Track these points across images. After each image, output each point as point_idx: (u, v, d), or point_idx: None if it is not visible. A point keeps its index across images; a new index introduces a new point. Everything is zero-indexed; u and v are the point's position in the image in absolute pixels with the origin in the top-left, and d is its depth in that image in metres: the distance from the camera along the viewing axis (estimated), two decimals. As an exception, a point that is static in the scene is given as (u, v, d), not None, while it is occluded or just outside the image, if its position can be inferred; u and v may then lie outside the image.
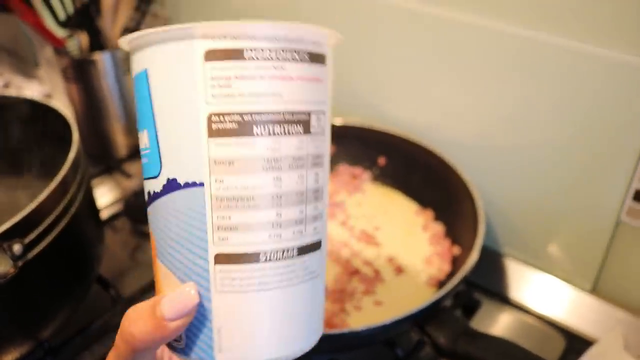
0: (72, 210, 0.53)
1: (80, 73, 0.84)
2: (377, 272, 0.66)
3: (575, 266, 0.67)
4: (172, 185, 0.28)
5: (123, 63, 0.85)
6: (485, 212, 0.63)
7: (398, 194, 0.79)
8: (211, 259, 0.28)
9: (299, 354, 0.30)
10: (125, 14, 0.84)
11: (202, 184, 0.27)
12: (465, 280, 0.57)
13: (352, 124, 0.80)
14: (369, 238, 0.71)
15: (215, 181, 0.27)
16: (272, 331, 0.29)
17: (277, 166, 0.27)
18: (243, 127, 0.26)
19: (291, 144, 0.27)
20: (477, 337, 0.54)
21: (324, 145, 0.30)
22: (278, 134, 0.27)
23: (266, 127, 0.27)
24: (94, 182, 0.84)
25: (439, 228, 0.71)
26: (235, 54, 0.26)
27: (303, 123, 0.28)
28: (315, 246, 0.30)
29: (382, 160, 0.80)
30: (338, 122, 0.81)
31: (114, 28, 0.85)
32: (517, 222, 0.70)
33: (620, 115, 0.57)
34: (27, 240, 0.47)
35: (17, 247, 0.46)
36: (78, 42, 0.83)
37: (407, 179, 0.78)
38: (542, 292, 0.68)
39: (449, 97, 0.71)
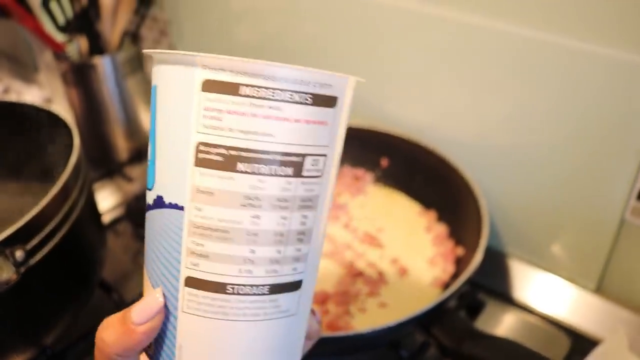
0: (74, 215, 0.53)
1: (80, 77, 0.84)
2: (381, 274, 0.66)
3: (579, 266, 0.67)
4: (160, 201, 0.29)
5: (123, 67, 0.84)
6: (488, 212, 0.63)
7: (401, 195, 0.78)
8: (182, 280, 0.28)
9: None
10: (124, 18, 0.84)
11: (182, 208, 0.28)
12: (470, 281, 0.57)
13: (354, 125, 0.80)
14: (372, 240, 0.71)
15: (195, 208, 0.27)
16: None
17: (257, 204, 0.27)
18: (227, 161, 0.26)
19: (276, 185, 0.27)
20: (482, 338, 0.54)
21: (320, 188, 0.29)
22: (263, 173, 0.27)
23: (250, 164, 0.26)
24: (95, 186, 0.84)
25: (442, 229, 0.71)
26: (230, 89, 0.26)
27: (294, 165, 0.27)
28: (292, 286, 0.29)
29: (384, 162, 0.80)
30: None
31: (114, 32, 0.84)
32: (520, 222, 0.70)
33: (624, 114, 0.57)
34: (29, 246, 0.47)
35: (19, 254, 0.45)
36: (78, 46, 0.83)
37: (410, 179, 0.78)
38: (546, 292, 0.68)
39: (451, 97, 0.70)
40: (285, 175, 0.27)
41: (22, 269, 0.46)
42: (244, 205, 0.27)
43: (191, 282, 0.28)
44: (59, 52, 0.82)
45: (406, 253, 0.69)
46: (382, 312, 0.61)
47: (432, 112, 0.74)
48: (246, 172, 0.26)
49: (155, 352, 0.31)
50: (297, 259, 0.29)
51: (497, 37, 0.62)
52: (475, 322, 0.65)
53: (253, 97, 0.26)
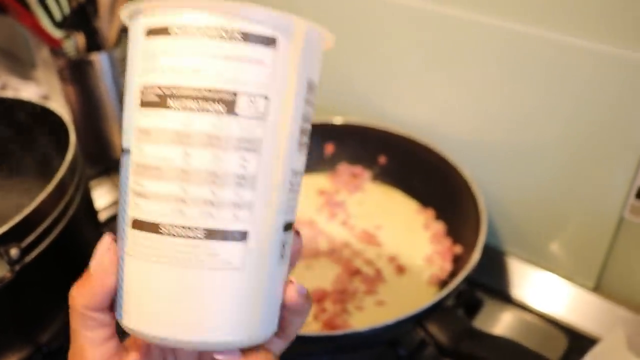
0: (70, 212, 0.53)
1: (77, 74, 0.83)
2: (378, 272, 0.65)
3: (577, 264, 0.67)
4: (123, 150, 0.30)
5: (120, 63, 0.84)
6: (486, 210, 0.63)
7: (399, 192, 0.78)
8: (129, 222, 0.29)
9: (199, 346, 0.29)
10: (122, 14, 0.83)
11: (129, 150, 0.29)
12: (468, 279, 0.57)
13: (352, 122, 0.80)
14: (369, 237, 0.70)
15: (137, 148, 0.28)
16: (165, 310, 0.28)
17: (187, 142, 0.27)
18: (161, 100, 0.27)
19: (206, 122, 0.27)
20: (480, 336, 0.53)
21: (265, 132, 0.28)
22: (191, 109, 0.27)
23: (180, 101, 0.27)
24: (92, 183, 0.84)
25: (440, 227, 0.71)
26: (164, 31, 0.27)
27: (225, 102, 0.27)
28: (233, 235, 0.28)
29: (382, 159, 0.80)
30: (338, 120, 0.80)
31: (111, 28, 0.84)
32: (518, 220, 0.70)
33: (623, 112, 0.56)
34: (24, 244, 0.46)
35: (14, 251, 0.45)
36: (75, 42, 0.83)
37: (408, 177, 0.77)
38: (544, 291, 0.68)
39: (449, 94, 0.70)
40: (216, 112, 0.27)
41: (17, 267, 0.45)
42: (175, 142, 0.27)
43: (135, 224, 0.28)
44: (56, 49, 0.82)
45: (404, 251, 0.69)
46: (380, 311, 0.61)
47: (430, 109, 0.73)
48: (177, 109, 0.27)
49: (116, 303, 0.30)
50: (237, 206, 0.28)
51: (498, 35, 0.62)
52: (473, 320, 0.65)
53: (183, 35, 0.27)
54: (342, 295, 0.62)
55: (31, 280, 0.49)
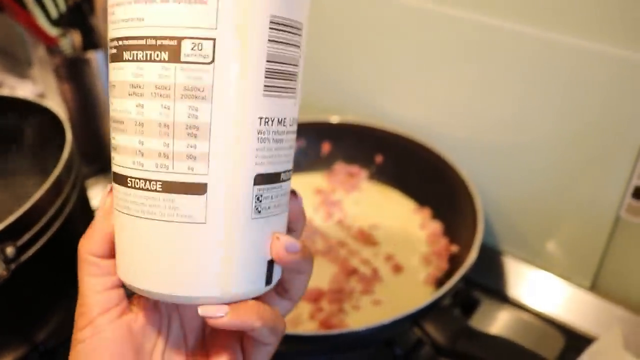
0: (66, 211, 0.53)
1: (73, 72, 0.83)
2: (375, 271, 0.65)
3: (574, 264, 0.67)
4: None
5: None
6: (483, 210, 0.63)
7: (395, 192, 0.78)
8: (112, 176, 0.30)
9: (177, 300, 0.29)
10: (118, 12, 0.83)
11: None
12: (464, 279, 0.57)
13: (349, 121, 0.80)
14: (366, 237, 0.70)
15: (110, 103, 0.29)
16: (142, 262, 0.29)
17: (139, 92, 0.27)
18: (119, 52, 0.27)
19: (153, 71, 0.26)
20: (476, 336, 0.53)
21: (213, 77, 0.26)
22: (140, 59, 0.26)
23: (130, 52, 0.27)
24: (89, 182, 0.84)
25: (436, 226, 0.71)
26: None
27: (168, 49, 0.26)
28: (189, 187, 0.27)
29: (379, 158, 0.79)
30: (334, 119, 0.80)
31: (107, 26, 0.84)
32: (515, 220, 0.70)
33: (620, 111, 0.56)
34: (20, 242, 0.46)
35: (9, 250, 0.45)
36: (71, 40, 0.83)
37: (405, 176, 0.77)
38: (541, 290, 0.68)
39: (447, 94, 0.70)
40: (161, 61, 0.26)
41: (13, 266, 0.45)
42: (130, 94, 0.27)
43: (114, 177, 0.29)
44: (52, 47, 0.82)
45: (400, 250, 0.69)
46: (376, 310, 0.61)
47: (427, 108, 0.73)
48: (129, 60, 0.27)
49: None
50: (191, 157, 0.27)
51: (495, 35, 0.62)
52: (470, 320, 0.65)
53: None
54: (339, 295, 0.62)
55: (27, 279, 0.48)
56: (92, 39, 0.84)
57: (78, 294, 0.31)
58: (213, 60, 0.26)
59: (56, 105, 0.86)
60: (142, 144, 0.27)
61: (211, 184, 0.27)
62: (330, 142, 0.81)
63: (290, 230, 0.33)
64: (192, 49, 0.26)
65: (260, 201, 0.29)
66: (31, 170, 0.67)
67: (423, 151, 0.73)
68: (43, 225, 0.49)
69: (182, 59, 0.26)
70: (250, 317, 0.29)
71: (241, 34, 0.26)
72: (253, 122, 0.27)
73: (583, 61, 0.57)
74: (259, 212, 0.29)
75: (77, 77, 0.83)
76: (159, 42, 0.26)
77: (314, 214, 0.75)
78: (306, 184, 0.79)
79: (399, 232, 0.72)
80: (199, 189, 0.27)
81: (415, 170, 0.75)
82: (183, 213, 0.27)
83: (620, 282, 0.64)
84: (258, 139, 0.28)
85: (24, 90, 1.06)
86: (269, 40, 0.27)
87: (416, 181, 0.76)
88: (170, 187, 0.27)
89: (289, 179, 0.31)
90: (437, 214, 0.73)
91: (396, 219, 0.74)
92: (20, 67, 1.14)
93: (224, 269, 0.28)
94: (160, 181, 0.27)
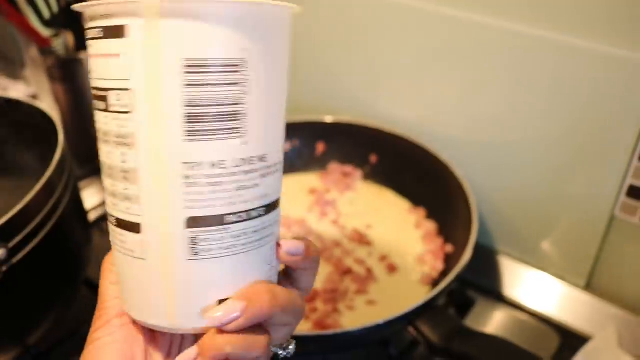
0: (59, 212, 0.52)
1: (66, 73, 0.83)
2: (369, 271, 0.65)
3: (569, 263, 0.67)
4: None
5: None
6: (478, 209, 0.63)
7: (390, 192, 0.78)
8: None
9: (140, 323, 0.31)
10: (111, 13, 0.83)
11: None
12: (459, 279, 0.56)
13: (343, 121, 0.80)
14: (361, 237, 0.70)
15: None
16: (123, 290, 0.31)
17: (100, 137, 0.29)
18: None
19: (100, 120, 0.29)
20: (472, 335, 0.53)
21: (135, 126, 0.27)
22: (95, 108, 0.29)
23: (93, 101, 0.29)
24: (82, 183, 0.83)
25: (431, 226, 0.71)
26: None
27: (103, 100, 0.28)
28: (129, 226, 0.29)
29: (373, 158, 0.79)
30: (329, 119, 0.80)
31: (100, 27, 0.83)
32: (510, 219, 0.70)
33: (613, 110, 0.56)
34: (11, 244, 0.46)
35: (1, 252, 0.45)
36: (64, 41, 0.82)
37: (399, 176, 0.77)
38: (536, 289, 0.68)
39: (441, 93, 0.70)
40: (100, 110, 0.28)
41: (4, 268, 0.45)
42: (99, 139, 0.30)
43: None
44: (44, 47, 0.81)
45: (395, 250, 0.69)
46: (371, 310, 0.61)
47: (422, 108, 0.73)
48: (96, 109, 0.29)
49: None
50: (127, 198, 0.28)
51: (488, 33, 0.62)
52: (465, 319, 0.65)
53: (89, 38, 0.29)
54: (333, 295, 0.62)
55: (19, 281, 0.48)
56: (85, 40, 0.83)
57: (98, 299, 0.33)
58: (132, 110, 0.27)
59: (49, 106, 0.86)
60: (104, 183, 0.30)
61: (144, 223, 0.28)
62: (324, 142, 0.81)
63: (302, 270, 0.33)
64: (116, 99, 0.27)
65: (196, 243, 0.28)
66: (23, 172, 0.66)
67: (418, 151, 0.73)
68: (35, 227, 0.48)
69: (110, 108, 0.28)
70: (260, 311, 0.29)
71: (152, 82, 0.27)
72: (176, 168, 0.27)
73: (579, 62, 0.57)
74: (196, 253, 0.29)
75: (69, 78, 0.83)
76: (98, 92, 0.28)
77: (308, 214, 0.75)
78: (300, 183, 0.79)
79: (394, 232, 0.71)
80: (135, 228, 0.29)
81: (410, 170, 0.75)
82: (129, 247, 0.29)
83: (615, 281, 0.64)
84: (185, 184, 0.27)
85: (16, 91, 1.06)
86: (186, 85, 0.26)
87: (411, 181, 0.76)
88: (119, 223, 0.29)
89: (247, 219, 0.29)
90: (431, 214, 0.73)
91: (391, 218, 0.74)
92: (12, 68, 1.14)
93: (166, 302, 0.29)
94: (114, 217, 0.30)
